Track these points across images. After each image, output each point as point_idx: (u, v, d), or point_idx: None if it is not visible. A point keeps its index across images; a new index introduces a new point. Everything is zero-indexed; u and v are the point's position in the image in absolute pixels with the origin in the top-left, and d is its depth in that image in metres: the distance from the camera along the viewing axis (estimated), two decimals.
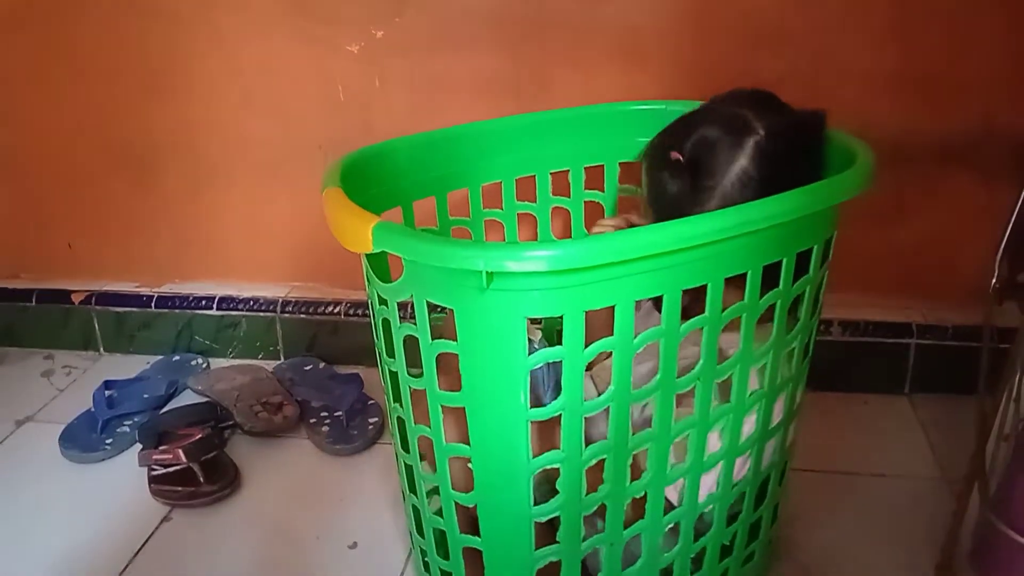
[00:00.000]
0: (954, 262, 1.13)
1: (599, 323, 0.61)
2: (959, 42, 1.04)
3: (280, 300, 1.29)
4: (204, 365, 1.29)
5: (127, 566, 0.92)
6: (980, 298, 0.78)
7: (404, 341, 0.67)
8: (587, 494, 0.67)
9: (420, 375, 0.66)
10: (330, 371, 1.26)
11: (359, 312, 1.25)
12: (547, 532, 0.69)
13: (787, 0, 1.04)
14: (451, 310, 0.62)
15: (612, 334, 0.62)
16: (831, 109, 1.05)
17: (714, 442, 0.70)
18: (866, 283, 1.14)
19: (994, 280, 0.75)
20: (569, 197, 0.95)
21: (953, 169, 1.09)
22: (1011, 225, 0.74)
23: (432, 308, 0.63)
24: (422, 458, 0.75)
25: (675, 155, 0.74)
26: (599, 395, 0.64)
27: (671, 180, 0.74)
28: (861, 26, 1.05)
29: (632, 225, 0.80)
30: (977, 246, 0.88)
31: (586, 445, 0.65)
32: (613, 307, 0.61)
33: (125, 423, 1.14)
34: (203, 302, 1.30)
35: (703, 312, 0.63)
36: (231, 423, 1.13)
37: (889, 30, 1.04)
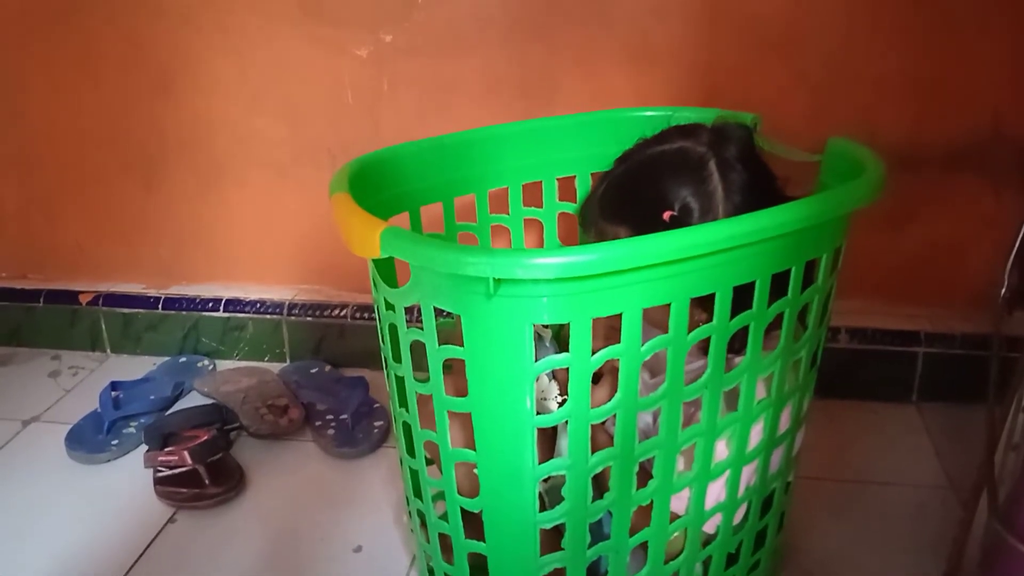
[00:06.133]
0: (962, 270, 1.12)
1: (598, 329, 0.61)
2: (968, 48, 1.03)
3: (287, 303, 1.29)
4: (210, 367, 1.30)
5: (132, 567, 0.92)
6: (988, 306, 0.77)
7: (411, 346, 0.67)
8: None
9: (426, 380, 0.66)
10: (336, 374, 1.26)
11: (365, 315, 1.25)
12: (553, 538, 0.69)
13: (796, 5, 1.04)
14: (458, 315, 0.62)
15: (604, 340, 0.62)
16: (840, 115, 1.06)
17: (721, 450, 0.70)
18: (873, 290, 1.13)
19: (1003, 289, 0.75)
20: (576, 203, 0.95)
21: (961, 176, 1.08)
22: (1022, 234, 0.74)
23: (439, 312, 0.63)
24: (427, 463, 0.75)
25: (668, 214, 0.70)
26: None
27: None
28: (870, 32, 1.04)
29: None
30: (985, 254, 0.88)
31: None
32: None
33: (131, 424, 1.15)
34: (210, 304, 1.30)
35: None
36: (237, 425, 1.13)
37: (897, 36, 1.04)
